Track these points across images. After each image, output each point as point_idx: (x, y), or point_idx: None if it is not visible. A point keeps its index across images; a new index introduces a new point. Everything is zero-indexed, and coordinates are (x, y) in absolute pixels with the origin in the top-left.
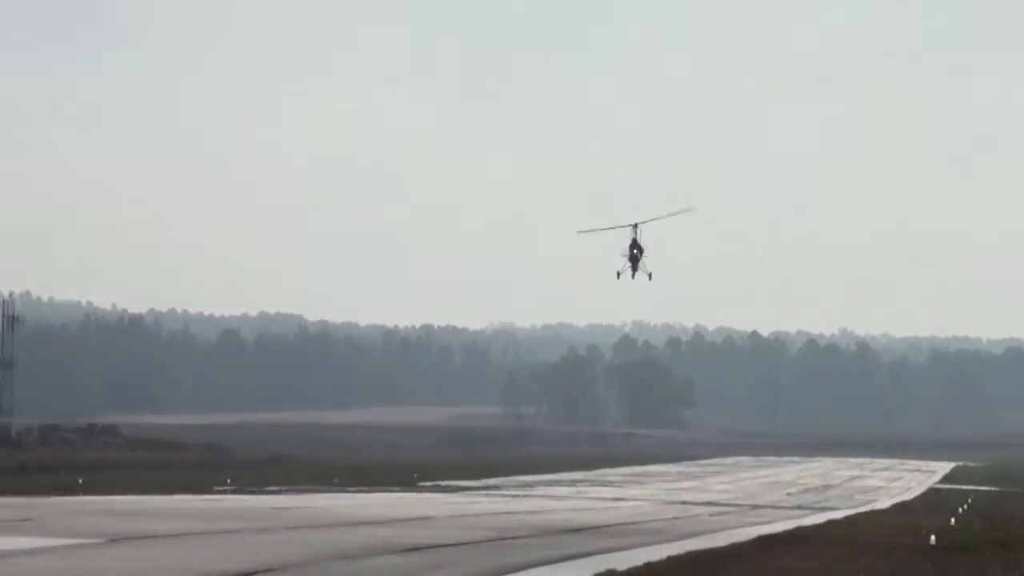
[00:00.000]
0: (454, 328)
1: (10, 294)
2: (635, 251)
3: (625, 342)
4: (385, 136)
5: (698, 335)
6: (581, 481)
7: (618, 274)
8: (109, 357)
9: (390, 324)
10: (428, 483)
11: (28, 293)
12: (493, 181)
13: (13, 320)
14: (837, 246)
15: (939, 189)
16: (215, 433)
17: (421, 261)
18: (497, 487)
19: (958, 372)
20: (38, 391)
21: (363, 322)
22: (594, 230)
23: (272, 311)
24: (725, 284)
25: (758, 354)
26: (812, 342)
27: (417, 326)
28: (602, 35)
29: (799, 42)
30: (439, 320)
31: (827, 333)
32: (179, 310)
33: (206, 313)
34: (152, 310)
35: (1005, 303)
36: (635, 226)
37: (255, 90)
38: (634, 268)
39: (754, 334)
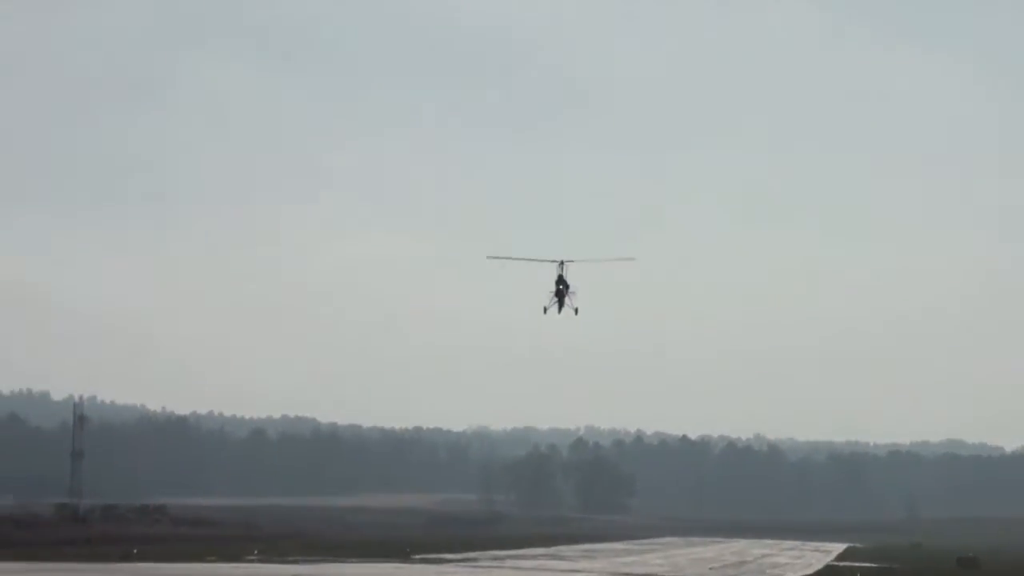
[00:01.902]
0: (440, 430)
1: (80, 398)
2: (561, 287)
3: (579, 443)
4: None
5: (639, 438)
6: (542, 555)
7: (545, 309)
8: (159, 450)
9: (388, 426)
10: (418, 556)
11: (94, 397)
12: (464, 299)
13: (82, 419)
14: (753, 363)
15: (831, 315)
16: (246, 513)
17: (414, 373)
18: (474, 559)
19: (850, 470)
20: (101, 477)
21: (366, 424)
22: (505, 258)
23: (292, 414)
24: (659, 395)
25: (687, 454)
26: (731, 444)
27: (410, 428)
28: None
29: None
30: (428, 423)
31: (744, 437)
32: (216, 412)
33: (238, 415)
34: (194, 412)
35: (888, 414)
36: (561, 263)
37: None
38: (560, 304)
39: (684, 437)
